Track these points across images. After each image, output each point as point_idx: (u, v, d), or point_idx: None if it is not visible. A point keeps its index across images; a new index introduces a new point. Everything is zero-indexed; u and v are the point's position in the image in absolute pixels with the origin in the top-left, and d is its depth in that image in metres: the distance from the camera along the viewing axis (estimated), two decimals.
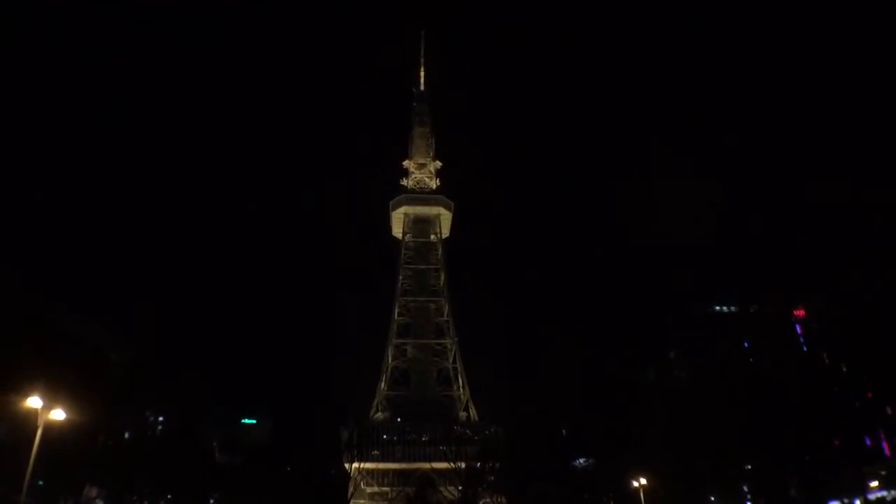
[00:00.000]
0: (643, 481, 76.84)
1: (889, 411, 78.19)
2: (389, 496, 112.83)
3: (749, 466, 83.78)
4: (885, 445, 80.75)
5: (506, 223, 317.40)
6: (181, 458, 73.23)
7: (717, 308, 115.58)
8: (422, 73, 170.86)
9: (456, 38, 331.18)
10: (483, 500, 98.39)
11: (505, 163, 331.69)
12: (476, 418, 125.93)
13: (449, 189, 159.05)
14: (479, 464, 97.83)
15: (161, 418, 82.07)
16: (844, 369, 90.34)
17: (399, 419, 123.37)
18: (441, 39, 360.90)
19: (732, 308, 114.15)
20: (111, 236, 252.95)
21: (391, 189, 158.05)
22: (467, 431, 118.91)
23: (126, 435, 69.77)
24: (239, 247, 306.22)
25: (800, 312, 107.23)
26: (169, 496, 76.55)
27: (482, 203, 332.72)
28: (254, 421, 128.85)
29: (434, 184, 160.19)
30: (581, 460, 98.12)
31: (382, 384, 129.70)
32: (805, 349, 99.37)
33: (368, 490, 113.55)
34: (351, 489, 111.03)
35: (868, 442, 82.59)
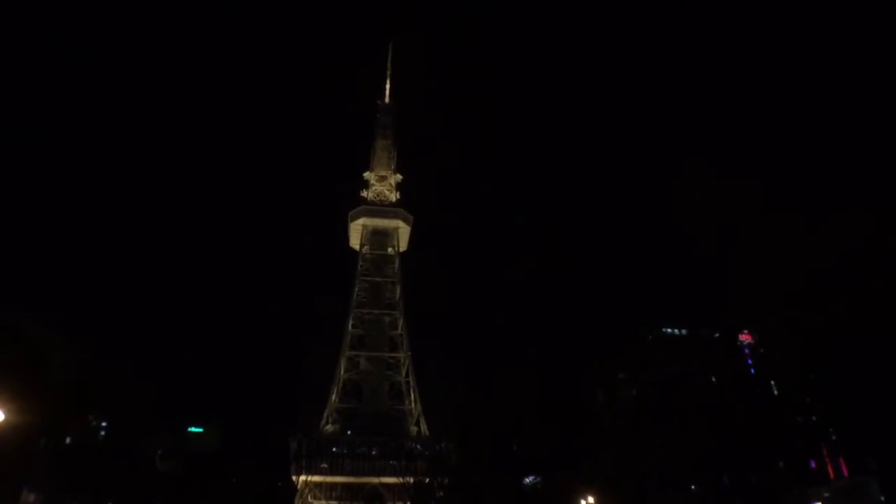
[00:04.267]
0: (591, 500, 77.65)
1: (833, 434, 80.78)
2: None
3: (694, 487, 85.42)
4: (829, 467, 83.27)
5: (466, 240, 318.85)
6: (122, 464, 71.08)
7: (668, 331, 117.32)
8: (388, 85, 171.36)
9: (427, 52, 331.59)
10: None
11: (468, 178, 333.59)
12: (427, 433, 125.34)
13: (409, 203, 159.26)
14: (428, 479, 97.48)
15: (104, 423, 79.60)
16: (790, 393, 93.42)
17: (349, 432, 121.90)
18: (411, 52, 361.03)
19: (683, 331, 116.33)
20: (62, 236, 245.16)
21: (351, 200, 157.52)
22: (417, 446, 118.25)
23: (68, 439, 67.46)
24: (194, 250, 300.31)
25: (746, 336, 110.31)
26: (109, 503, 74.14)
27: (443, 219, 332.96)
28: (201, 430, 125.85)
29: (394, 196, 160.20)
30: (530, 478, 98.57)
31: (334, 396, 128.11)
32: (753, 372, 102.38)
33: (316, 503, 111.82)
34: (298, 502, 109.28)
35: (813, 464, 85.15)
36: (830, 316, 77.91)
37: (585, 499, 77.86)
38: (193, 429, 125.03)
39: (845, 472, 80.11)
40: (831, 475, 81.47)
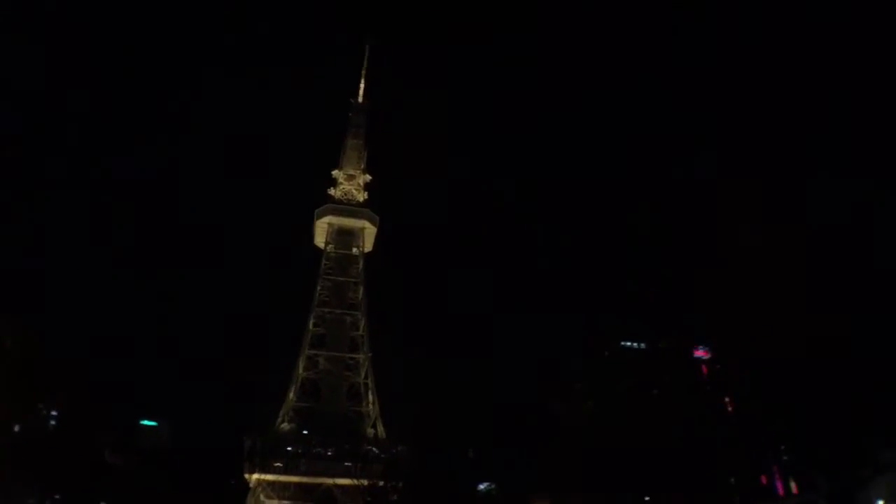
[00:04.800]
0: None
1: (784, 453, 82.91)
2: None
3: (647, 499, 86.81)
4: (778, 484, 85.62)
5: (432, 244, 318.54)
6: (71, 455, 69.39)
7: (627, 344, 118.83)
8: (362, 85, 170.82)
9: (406, 55, 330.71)
10: None
11: (439, 183, 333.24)
12: (384, 436, 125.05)
13: (377, 204, 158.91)
14: (382, 483, 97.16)
15: (55, 413, 77.61)
16: (743, 408, 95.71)
17: (305, 431, 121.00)
18: (390, 55, 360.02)
19: (641, 345, 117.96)
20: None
21: (318, 197, 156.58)
22: (374, 449, 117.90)
23: (16, 428, 65.63)
24: (153, 240, 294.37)
25: (702, 353, 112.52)
26: (57, 496, 72.30)
27: (411, 222, 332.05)
28: (154, 423, 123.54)
29: (361, 196, 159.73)
30: (485, 484, 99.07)
31: (291, 394, 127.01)
32: (708, 388, 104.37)
33: (268, 502, 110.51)
34: (250, 501, 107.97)
35: (763, 480, 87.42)
36: (785, 336, 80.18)
37: None
38: (146, 422, 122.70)
39: (795, 491, 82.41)
40: (780, 492, 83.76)
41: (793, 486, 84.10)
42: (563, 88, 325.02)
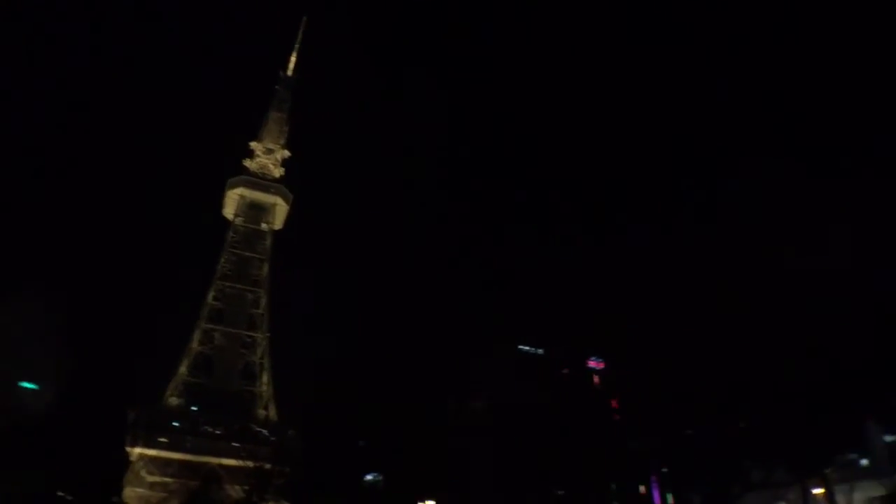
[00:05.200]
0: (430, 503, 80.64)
1: (663, 466, 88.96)
2: (171, 487, 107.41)
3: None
4: (656, 494, 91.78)
5: (344, 228, 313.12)
6: None
7: (524, 348, 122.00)
8: (293, 59, 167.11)
9: (345, 35, 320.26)
10: None
11: (362, 168, 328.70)
12: (275, 419, 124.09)
13: (292, 181, 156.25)
14: (269, 466, 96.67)
15: None
16: (628, 420, 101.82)
17: (194, 408, 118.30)
18: (329, 32, 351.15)
19: (539, 350, 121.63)
20: None
21: (231, 168, 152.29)
22: (263, 431, 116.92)
23: None
24: (58, 199, 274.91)
25: (596, 363, 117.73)
26: None
27: (325, 203, 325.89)
28: (34, 386, 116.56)
29: (278, 172, 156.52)
30: (372, 475, 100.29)
31: (183, 368, 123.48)
32: (598, 397, 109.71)
33: (150, 479, 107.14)
34: (129, 476, 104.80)
35: (642, 490, 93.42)
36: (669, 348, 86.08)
37: (423, 501, 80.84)
38: (26, 384, 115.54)
39: (672, 502, 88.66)
40: (657, 501, 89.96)
41: (670, 499, 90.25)
42: (489, 73, 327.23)
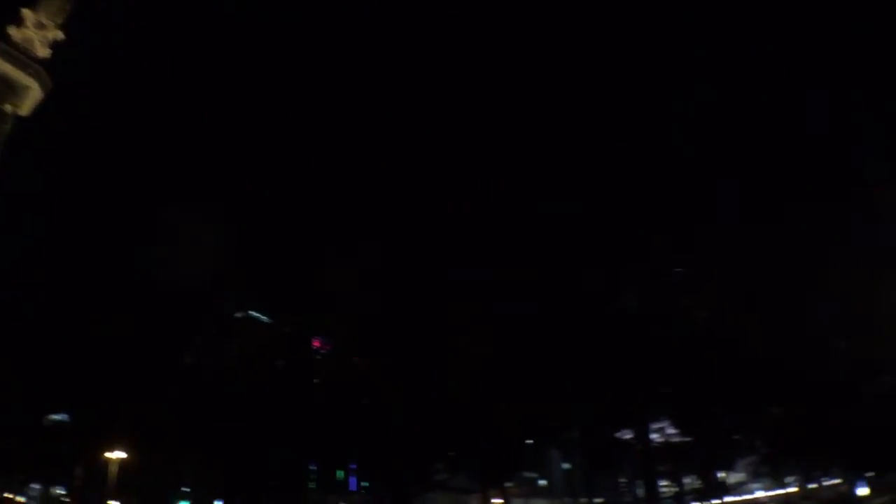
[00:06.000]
0: (119, 454, 73.29)
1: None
2: None
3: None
4: (352, 481, 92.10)
5: (97, 134, 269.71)
6: None
7: (253, 314, 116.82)
8: None
9: None
10: None
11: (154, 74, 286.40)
12: None
13: (56, 71, 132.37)
14: None
15: None
16: (335, 407, 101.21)
17: None
18: None
19: (267, 318, 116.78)
20: None
21: None
22: None
23: None
24: None
25: (318, 344, 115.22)
26: None
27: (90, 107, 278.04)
28: None
29: (42, 53, 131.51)
30: (59, 416, 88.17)
31: None
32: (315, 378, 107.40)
33: None
34: None
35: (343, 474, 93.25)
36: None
37: (112, 451, 72.66)
38: None
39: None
40: (353, 488, 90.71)
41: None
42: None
